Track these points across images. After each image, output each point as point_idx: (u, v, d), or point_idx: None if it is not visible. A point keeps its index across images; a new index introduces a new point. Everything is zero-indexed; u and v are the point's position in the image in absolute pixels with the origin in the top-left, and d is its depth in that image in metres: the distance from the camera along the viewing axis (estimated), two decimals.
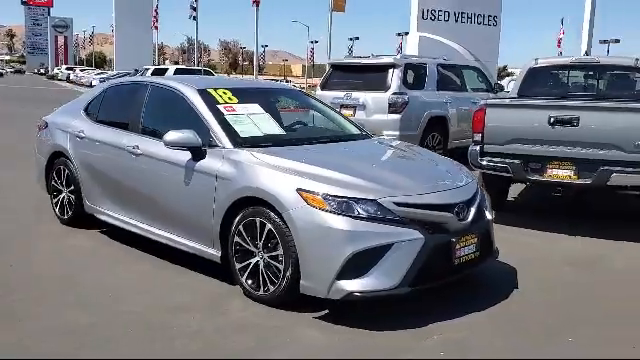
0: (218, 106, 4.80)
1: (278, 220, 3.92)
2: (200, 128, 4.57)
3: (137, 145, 5.02)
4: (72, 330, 3.66)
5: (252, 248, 4.13)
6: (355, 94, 9.40)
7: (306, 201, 3.81)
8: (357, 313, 3.92)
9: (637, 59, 7.18)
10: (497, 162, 6.23)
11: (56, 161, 6.08)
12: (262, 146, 4.48)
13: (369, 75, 9.58)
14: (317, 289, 3.80)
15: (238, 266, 4.23)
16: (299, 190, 3.86)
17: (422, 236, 3.77)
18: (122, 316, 3.89)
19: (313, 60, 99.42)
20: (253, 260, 4.13)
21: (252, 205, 4.11)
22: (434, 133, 9.69)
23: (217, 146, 4.47)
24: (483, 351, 3.53)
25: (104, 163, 5.44)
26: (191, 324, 3.81)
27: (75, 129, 5.83)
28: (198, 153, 4.49)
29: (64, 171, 5.96)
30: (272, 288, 4.00)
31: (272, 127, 4.88)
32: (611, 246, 5.83)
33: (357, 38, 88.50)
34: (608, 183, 5.79)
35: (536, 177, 6.13)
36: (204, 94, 4.90)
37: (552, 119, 5.97)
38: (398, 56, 9.64)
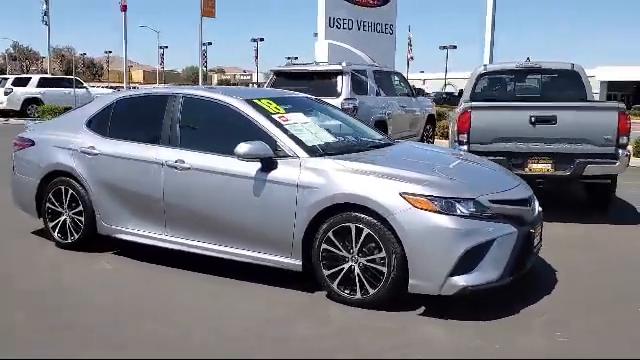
0: (273, 116, 4.80)
1: (380, 224, 4.06)
2: (260, 139, 4.54)
3: (181, 159, 4.83)
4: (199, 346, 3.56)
5: (344, 253, 4.21)
6: None
7: (412, 204, 4.00)
8: (453, 307, 4.16)
9: (573, 64, 8.21)
10: None
11: (54, 181, 5.59)
12: (332, 153, 4.57)
13: (317, 82, 9.81)
14: (429, 287, 4.00)
15: (326, 273, 4.29)
16: (403, 194, 4.03)
17: (515, 229, 4.12)
18: (236, 334, 3.82)
19: (163, 66, 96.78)
20: (345, 265, 4.22)
21: (342, 212, 4.20)
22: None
23: (289, 156, 4.48)
24: (593, 325, 3.99)
25: (130, 180, 5.13)
26: (298, 332, 3.85)
27: (81, 145, 5.42)
28: (270, 164, 4.47)
29: (66, 192, 5.50)
30: (373, 291, 4.12)
31: (325, 135, 4.97)
32: (594, 229, 6.64)
33: (210, 43, 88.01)
34: (584, 173, 6.60)
35: (519, 171, 6.77)
36: (254, 105, 4.87)
37: (533, 118, 6.67)
38: (344, 63, 9.98)
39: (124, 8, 28.81)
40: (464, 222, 3.97)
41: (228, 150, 4.60)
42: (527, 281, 4.71)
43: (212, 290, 4.57)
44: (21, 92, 24.97)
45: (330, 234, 4.24)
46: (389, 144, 5.37)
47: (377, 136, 5.66)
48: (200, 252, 4.84)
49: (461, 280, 3.95)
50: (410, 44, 55.29)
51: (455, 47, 70.65)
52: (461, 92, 10.40)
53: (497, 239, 4.02)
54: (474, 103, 7.05)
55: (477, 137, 6.86)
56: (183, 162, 4.82)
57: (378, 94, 10.52)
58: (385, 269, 4.07)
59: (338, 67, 9.85)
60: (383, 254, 4.07)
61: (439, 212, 3.97)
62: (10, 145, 6.15)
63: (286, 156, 4.49)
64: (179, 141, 4.98)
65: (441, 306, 4.12)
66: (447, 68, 62.89)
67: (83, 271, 5.06)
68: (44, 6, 36.66)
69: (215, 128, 5.07)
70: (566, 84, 8.27)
